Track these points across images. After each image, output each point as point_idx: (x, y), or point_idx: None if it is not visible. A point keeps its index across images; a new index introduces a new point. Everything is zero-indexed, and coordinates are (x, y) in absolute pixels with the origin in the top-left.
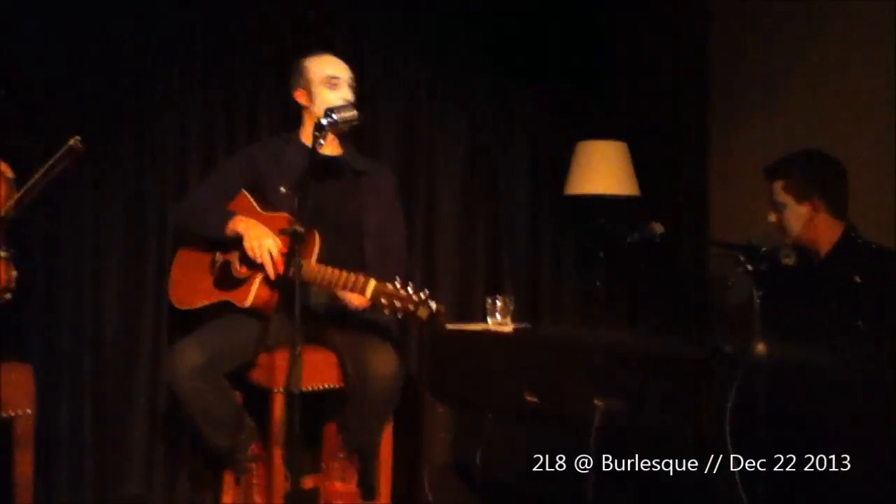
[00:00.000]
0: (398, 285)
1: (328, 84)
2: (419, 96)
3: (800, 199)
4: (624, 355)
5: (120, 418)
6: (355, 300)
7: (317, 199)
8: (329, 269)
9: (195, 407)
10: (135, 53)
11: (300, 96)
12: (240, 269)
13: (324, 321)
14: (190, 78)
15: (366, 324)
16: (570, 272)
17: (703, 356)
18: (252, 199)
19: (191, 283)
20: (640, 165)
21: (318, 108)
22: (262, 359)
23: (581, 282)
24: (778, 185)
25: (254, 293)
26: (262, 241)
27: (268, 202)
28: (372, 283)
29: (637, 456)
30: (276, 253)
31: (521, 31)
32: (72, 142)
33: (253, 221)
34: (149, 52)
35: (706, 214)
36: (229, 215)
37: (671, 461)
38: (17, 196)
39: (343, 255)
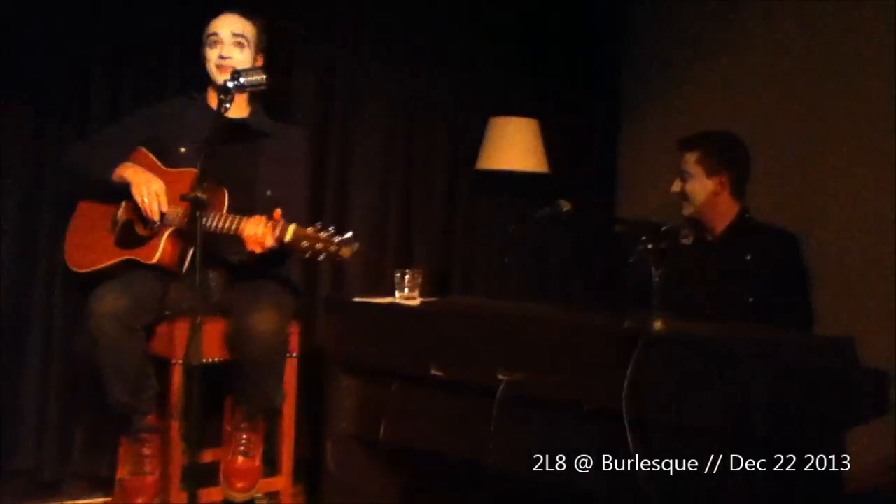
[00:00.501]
0: (317, 227)
1: (208, 42)
2: (339, 62)
3: (710, 173)
4: (528, 327)
5: (10, 387)
6: (266, 241)
7: (218, 160)
8: (240, 217)
9: (109, 354)
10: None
11: (204, 55)
12: (143, 228)
13: (223, 290)
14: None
15: (254, 287)
16: (483, 247)
17: (605, 330)
18: (153, 156)
19: (89, 245)
20: (551, 142)
21: (209, 68)
22: (162, 328)
23: (493, 257)
24: (691, 157)
25: (161, 249)
26: (150, 185)
27: (167, 161)
28: (292, 226)
29: (538, 428)
30: (163, 198)
31: (440, 3)
32: None
33: (140, 168)
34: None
35: (614, 192)
36: (118, 160)
37: (572, 433)
38: None
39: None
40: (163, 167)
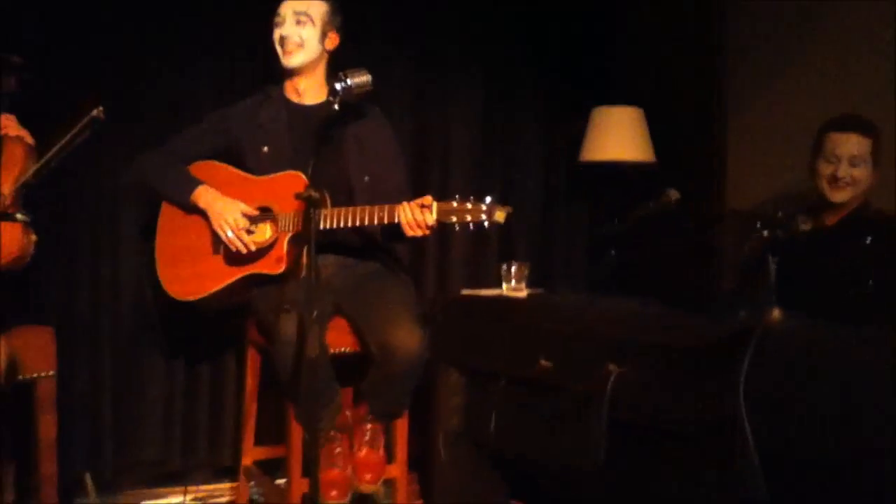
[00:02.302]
0: (457, 199)
1: (274, 24)
2: (431, 59)
3: (876, 162)
4: (638, 322)
5: (137, 378)
6: (429, 220)
7: (300, 152)
8: (367, 207)
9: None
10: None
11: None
12: (254, 240)
13: (331, 284)
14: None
15: (380, 291)
16: (584, 240)
17: (716, 323)
18: (230, 168)
19: (191, 274)
20: (656, 131)
21: (276, 50)
22: None
23: (594, 249)
24: (864, 141)
25: (286, 257)
26: (226, 217)
27: (250, 164)
28: (435, 204)
29: (651, 423)
30: (241, 222)
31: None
32: (95, 112)
33: (214, 194)
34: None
35: (723, 180)
36: (194, 184)
37: (684, 430)
38: (38, 165)
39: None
40: (247, 176)
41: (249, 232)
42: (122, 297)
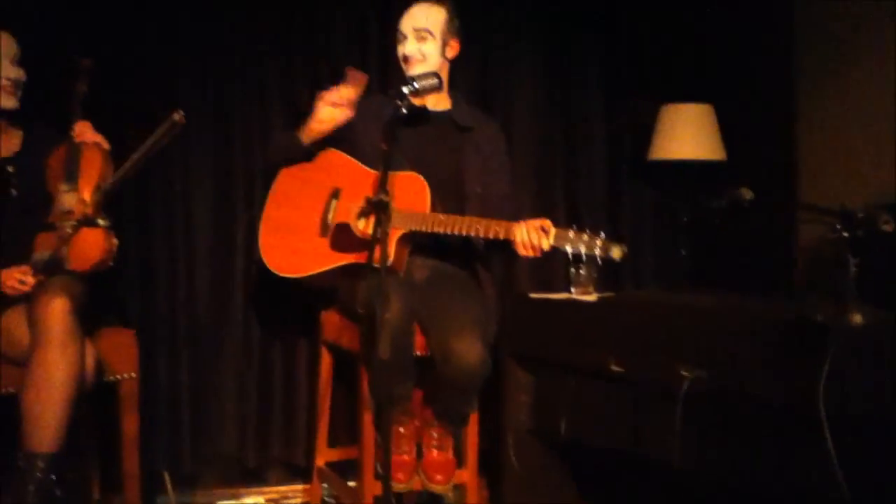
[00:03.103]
0: (574, 229)
1: (397, 39)
2: (494, 56)
3: None
4: (711, 323)
5: (213, 376)
6: (543, 245)
7: (418, 153)
8: (485, 220)
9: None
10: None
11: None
12: (363, 229)
13: (418, 286)
14: (275, 42)
15: (454, 299)
16: (652, 239)
17: (793, 324)
18: (351, 158)
19: (294, 249)
20: (727, 128)
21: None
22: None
23: (663, 249)
24: None
25: (394, 250)
26: (331, 113)
27: (368, 160)
28: (554, 230)
29: (725, 427)
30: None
31: None
32: (176, 116)
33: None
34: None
35: (796, 178)
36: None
37: (759, 433)
38: (121, 171)
39: (444, 211)
40: (366, 169)
41: (363, 218)
42: (198, 297)
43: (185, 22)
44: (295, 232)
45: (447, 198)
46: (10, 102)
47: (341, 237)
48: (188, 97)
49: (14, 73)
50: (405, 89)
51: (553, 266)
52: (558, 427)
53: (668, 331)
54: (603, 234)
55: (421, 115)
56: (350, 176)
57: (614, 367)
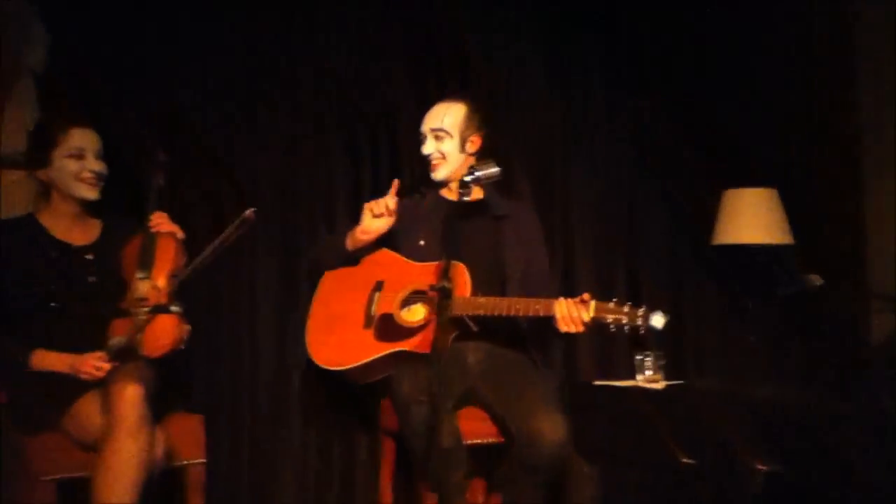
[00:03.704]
0: (615, 301)
1: (420, 140)
2: (554, 143)
3: None
4: (787, 414)
5: (275, 462)
6: (584, 317)
7: (458, 244)
8: (524, 299)
9: (420, 436)
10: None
11: None
12: (407, 318)
13: (471, 371)
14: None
15: (526, 379)
16: (716, 326)
17: (870, 416)
18: (394, 253)
19: (340, 342)
20: (793, 212)
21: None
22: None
23: (729, 336)
24: None
25: (434, 337)
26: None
27: (407, 256)
28: (593, 302)
29: None
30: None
31: (664, 75)
32: (247, 213)
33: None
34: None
35: (865, 262)
36: (345, 235)
37: None
38: (193, 264)
39: (486, 294)
40: (407, 261)
41: (406, 308)
42: (260, 381)
43: (260, 121)
44: (340, 326)
45: (490, 286)
46: (92, 194)
47: (385, 327)
48: (259, 193)
49: (97, 166)
50: (467, 178)
51: (616, 352)
52: None
53: (741, 423)
54: (644, 306)
55: (452, 209)
56: (391, 268)
57: (685, 460)
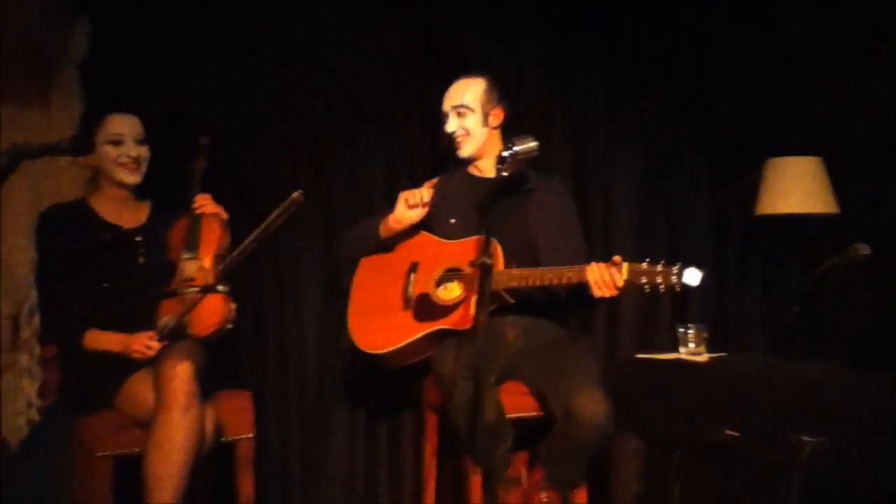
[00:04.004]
0: (648, 261)
1: (442, 119)
2: (590, 115)
3: None
4: (834, 388)
5: (323, 439)
6: (618, 282)
7: (487, 219)
8: (555, 268)
9: (465, 411)
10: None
11: None
12: (443, 297)
13: (510, 346)
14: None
15: (566, 356)
16: (763, 298)
17: None
18: (428, 234)
19: (381, 327)
20: (839, 181)
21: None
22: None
23: (774, 309)
24: None
25: (473, 313)
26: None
27: (438, 235)
28: (626, 265)
29: (847, 499)
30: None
31: (706, 43)
32: (295, 194)
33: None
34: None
35: None
36: (378, 220)
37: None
38: (241, 247)
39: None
40: (441, 240)
41: (442, 287)
42: (306, 361)
43: (299, 108)
44: (380, 310)
45: (523, 261)
46: (132, 178)
47: (423, 307)
48: (303, 177)
49: (136, 151)
50: (505, 153)
51: (658, 325)
52: (669, 497)
53: (786, 395)
54: (679, 263)
55: (481, 186)
56: (425, 249)
57: (728, 433)
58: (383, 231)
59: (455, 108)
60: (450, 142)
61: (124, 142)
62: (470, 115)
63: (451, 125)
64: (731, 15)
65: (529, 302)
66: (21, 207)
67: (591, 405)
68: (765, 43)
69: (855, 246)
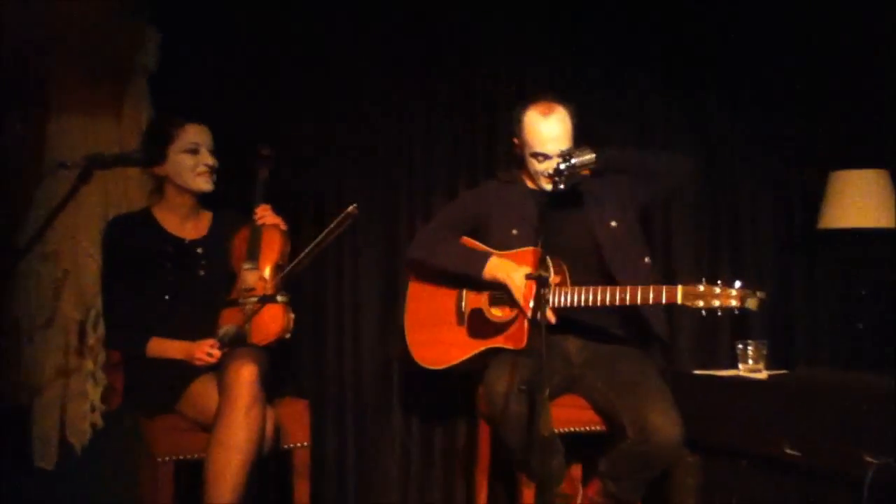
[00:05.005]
0: (704, 283)
1: (536, 158)
2: (652, 123)
3: None
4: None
5: (377, 447)
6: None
7: (550, 232)
8: (632, 287)
9: (517, 428)
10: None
11: (516, 143)
12: (496, 314)
13: (571, 360)
14: (432, 120)
15: (638, 371)
16: (827, 314)
17: None
18: (477, 242)
19: (437, 341)
20: None
21: (530, 166)
22: None
23: (841, 324)
24: None
25: (527, 333)
26: (517, 283)
27: (497, 244)
28: (680, 287)
29: None
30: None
31: (774, 54)
32: (350, 208)
33: (509, 265)
34: (391, 102)
35: None
36: (484, 256)
37: None
38: (298, 259)
39: (586, 280)
40: (497, 251)
41: (495, 304)
42: (363, 369)
43: (360, 118)
44: (435, 325)
45: (584, 263)
46: (207, 186)
47: (477, 323)
48: (361, 190)
49: (211, 160)
50: (563, 166)
51: (717, 339)
52: None
53: (848, 414)
54: (739, 284)
55: (543, 198)
56: None
57: (789, 451)
58: (486, 273)
59: (561, 152)
60: (548, 181)
61: (200, 150)
62: (565, 144)
63: (553, 167)
64: (799, 25)
65: (589, 318)
66: (90, 216)
67: (668, 425)
68: (833, 53)
69: None
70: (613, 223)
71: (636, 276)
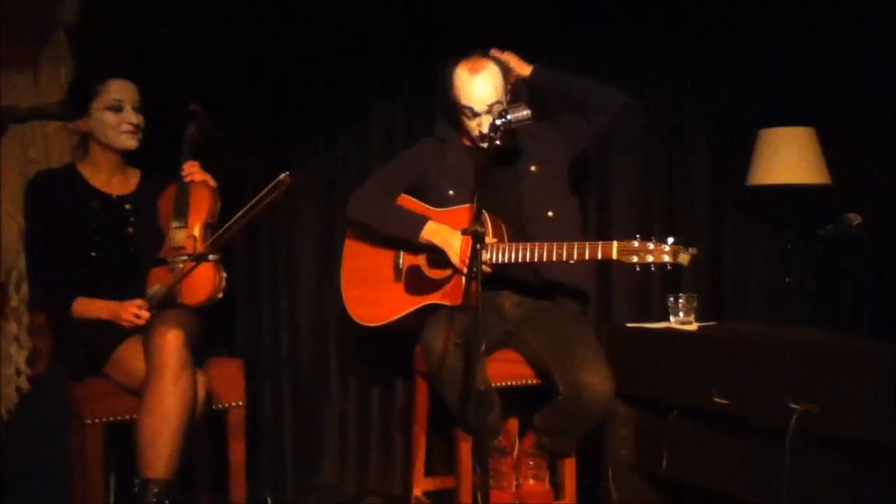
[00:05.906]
0: (638, 239)
1: (464, 113)
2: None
3: None
4: (821, 355)
5: (315, 407)
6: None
7: (487, 190)
8: (586, 244)
9: (454, 382)
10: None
11: (450, 101)
12: (434, 271)
13: (506, 316)
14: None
15: (569, 329)
16: (755, 268)
17: None
18: (418, 201)
19: (374, 298)
20: (831, 152)
21: (469, 130)
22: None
23: (767, 278)
24: None
25: (463, 289)
26: (457, 248)
27: (434, 203)
28: (615, 244)
29: (834, 465)
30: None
31: (695, 11)
32: (282, 176)
33: (443, 229)
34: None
35: None
36: (421, 220)
37: (870, 471)
38: (227, 226)
39: (519, 238)
40: (431, 209)
41: (433, 266)
42: (299, 329)
43: (292, 79)
44: (372, 282)
45: (517, 223)
46: (132, 143)
47: (414, 280)
48: (297, 151)
49: (136, 118)
50: (498, 122)
51: (650, 293)
52: (660, 463)
53: (774, 363)
54: (671, 240)
55: (479, 156)
56: None
57: (717, 400)
58: (423, 238)
59: (491, 105)
60: (484, 138)
61: (124, 108)
62: (497, 106)
63: (487, 125)
64: None
65: (521, 275)
66: (9, 174)
67: (599, 383)
68: (759, 12)
69: (847, 216)
70: (533, 167)
71: (549, 230)
